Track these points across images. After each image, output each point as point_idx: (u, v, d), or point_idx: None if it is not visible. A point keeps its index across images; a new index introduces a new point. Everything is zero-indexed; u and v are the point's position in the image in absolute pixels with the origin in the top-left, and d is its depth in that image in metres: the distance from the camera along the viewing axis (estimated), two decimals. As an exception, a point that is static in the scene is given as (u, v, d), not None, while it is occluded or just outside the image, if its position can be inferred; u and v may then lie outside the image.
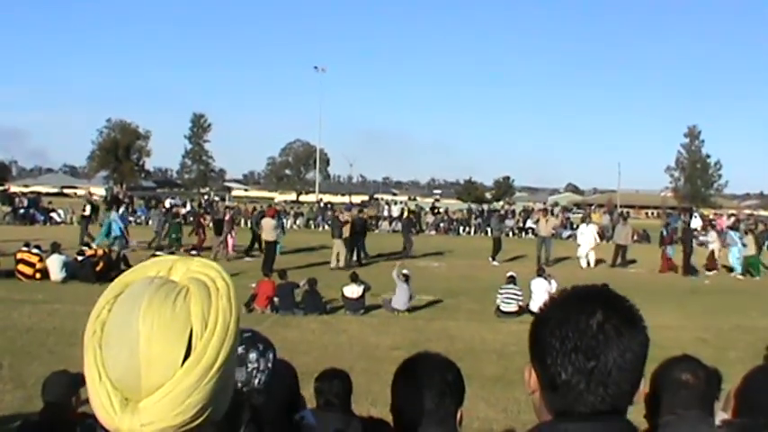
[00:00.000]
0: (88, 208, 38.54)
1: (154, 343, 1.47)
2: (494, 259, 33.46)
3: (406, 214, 38.27)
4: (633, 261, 34.27)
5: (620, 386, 1.81)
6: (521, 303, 19.97)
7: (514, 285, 20.59)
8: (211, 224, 35.42)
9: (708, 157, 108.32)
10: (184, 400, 1.48)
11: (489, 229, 43.14)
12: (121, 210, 33.86)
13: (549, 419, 1.88)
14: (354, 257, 31.25)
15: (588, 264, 33.68)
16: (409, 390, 3.22)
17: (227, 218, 33.41)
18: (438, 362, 3.36)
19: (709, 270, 32.20)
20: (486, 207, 72.07)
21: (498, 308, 20.12)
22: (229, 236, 32.99)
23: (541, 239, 33.88)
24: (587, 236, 34.90)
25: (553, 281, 20.26)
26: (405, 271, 20.96)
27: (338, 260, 30.06)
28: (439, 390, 3.17)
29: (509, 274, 21.58)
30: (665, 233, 33.86)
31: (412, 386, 3.22)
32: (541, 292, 19.47)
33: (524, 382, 1.98)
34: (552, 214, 39.90)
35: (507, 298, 20.12)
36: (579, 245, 34.88)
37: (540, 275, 21.22)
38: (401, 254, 33.86)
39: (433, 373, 3.24)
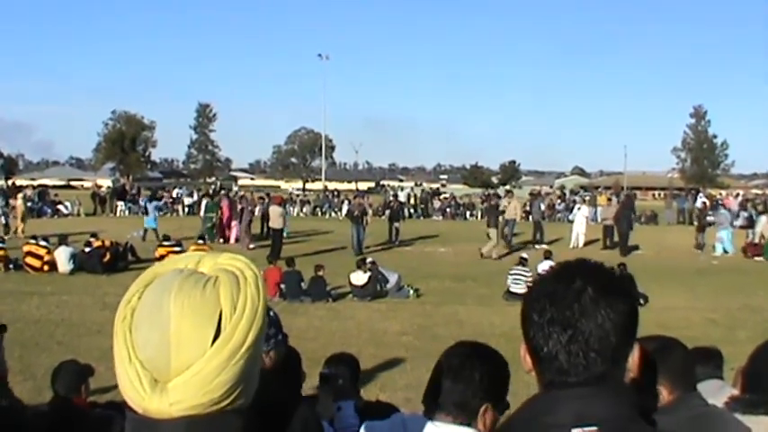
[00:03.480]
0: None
1: (184, 324, 1.51)
2: (541, 243, 33.16)
3: (396, 202, 37.97)
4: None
5: (602, 355, 1.80)
6: (530, 284, 19.92)
7: (524, 267, 20.82)
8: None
9: (714, 137, 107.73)
10: (213, 379, 1.51)
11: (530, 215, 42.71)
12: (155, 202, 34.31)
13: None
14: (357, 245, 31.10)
15: (577, 245, 33.82)
16: (447, 379, 3.18)
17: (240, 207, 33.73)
18: (479, 350, 3.37)
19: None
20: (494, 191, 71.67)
21: (508, 290, 20.27)
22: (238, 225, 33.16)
23: (505, 221, 33.68)
24: (579, 218, 35.64)
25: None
26: (369, 259, 21.43)
27: (492, 249, 30.12)
28: (478, 380, 3.18)
29: (522, 255, 22.17)
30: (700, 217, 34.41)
31: (450, 375, 3.17)
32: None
33: (521, 360, 1.98)
34: (513, 196, 39.82)
35: (516, 279, 20.27)
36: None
37: (547, 258, 21.37)
38: (389, 243, 33.95)
39: (472, 361, 3.23)
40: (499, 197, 37.86)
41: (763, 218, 33.37)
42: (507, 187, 66.55)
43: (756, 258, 30.48)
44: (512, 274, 20.63)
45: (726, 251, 32.28)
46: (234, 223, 33.88)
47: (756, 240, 32.90)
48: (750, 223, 47.12)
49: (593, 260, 1.97)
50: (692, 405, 3.06)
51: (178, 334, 1.50)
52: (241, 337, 1.54)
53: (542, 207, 39.38)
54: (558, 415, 1.76)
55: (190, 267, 1.64)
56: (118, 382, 1.55)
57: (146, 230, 33.91)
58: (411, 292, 20.53)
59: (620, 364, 1.84)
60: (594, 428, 1.71)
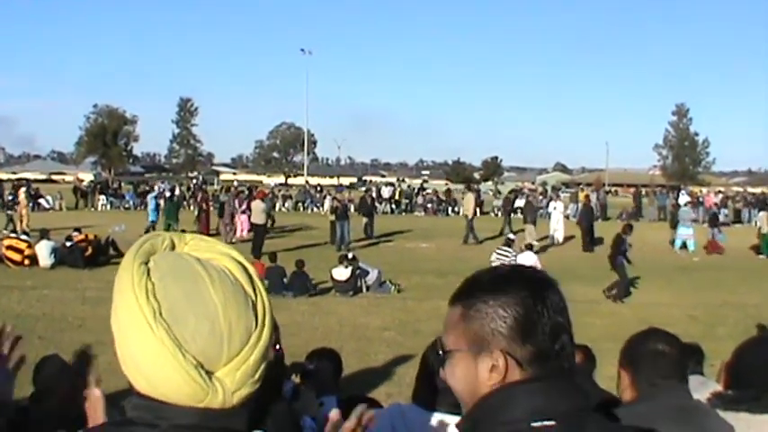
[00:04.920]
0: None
1: (231, 312, 1.53)
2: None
3: (369, 197, 38.00)
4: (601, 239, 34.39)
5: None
6: (510, 260, 21.04)
7: (509, 248, 22.10)
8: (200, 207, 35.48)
9: (696, 134, 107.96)
10: (260, 365, 1.57)
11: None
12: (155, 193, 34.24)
13: None
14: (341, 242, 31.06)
15: (558, 242, 34.11)
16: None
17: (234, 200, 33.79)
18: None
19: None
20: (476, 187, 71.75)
21: (492, 263, 20.50)
22: (239, 218, 33.19)
23: (467, 217, 34.05)
24: (555, 215, 35.80)
25: (536, 257, 21.43)
26: (349, 254, 21.59)
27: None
28: None
29: (509, 236, 23.32)
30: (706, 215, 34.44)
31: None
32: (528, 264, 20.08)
33: None
34: (474, 192, 39.91)
35: (499, 256, 21.45)
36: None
37: (528, 249, 22.13)
38: (367, 238, 33.85)
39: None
40: (534, 195, 38.16)
41: (762, 214, 33.41)
42: (530, 185, 66.75)
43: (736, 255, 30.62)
44: (496, 253, 21.79)
45: (685, 246, 32.43)
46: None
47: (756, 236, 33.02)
48: (736, 220, 47.56)
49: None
50: (677, 395, 3.08)
51: (228, 323, 1.52)
52: (271, 323, 1.62)
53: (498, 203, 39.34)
54: (515, 410, 1.74)
55: (168, 247, 1.65)
56: (156, 382, 1.52)
57: (152, 225, 33.51)
58: (393, 287, 20.55)
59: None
60: (552, 422, 1.70)
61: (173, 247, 1.66)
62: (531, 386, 1.73)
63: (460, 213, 46.63)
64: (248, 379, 1.54)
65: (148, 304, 1.51)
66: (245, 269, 1.64)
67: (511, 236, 23.31)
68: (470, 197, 35.77)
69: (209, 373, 1.51)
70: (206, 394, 1.50)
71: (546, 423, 1.69)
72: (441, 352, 1.88)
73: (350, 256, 21.09)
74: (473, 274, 1.96)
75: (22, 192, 38.14)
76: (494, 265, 18.07)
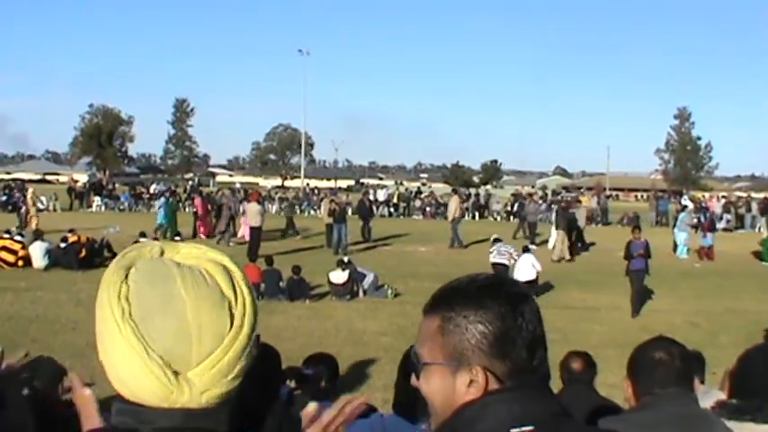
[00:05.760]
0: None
1: (202, 311, 1.53)
2: (533, 244, 33.11)
3: (367, 200, 38.04)
4: (593, 243, 34.42)
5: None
6: (514, 257, 21.52)
7: (502, 242, 22.50)
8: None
9: (698, 138, 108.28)
10: (234, 367, 1.56)
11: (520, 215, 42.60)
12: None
13: None
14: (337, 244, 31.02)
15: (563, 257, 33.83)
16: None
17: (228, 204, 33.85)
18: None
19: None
20: (474, 191, 71.69)
21: (492, 261, 21.42)
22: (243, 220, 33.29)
23: (452, 221, 34.05)
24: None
25: (536, 260, 21.41)
26: (345, 258, 21.60)
27: (564, 251, 30.20)
28: None
29: (494, 236, 23.36)
30: (702, 219, 34.38)
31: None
32: (528, 266, 20.68)
33: None
34: (460, 195, 39.81)
35: (500, 251, 21.69)
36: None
37: (526, 251, 22.02)
38: (364, 242, 33.86)
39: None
40: (570, 200, 38.06)
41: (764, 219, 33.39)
42: (529, 188, 66.77)
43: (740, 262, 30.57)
44: (492, 250, 21.94)
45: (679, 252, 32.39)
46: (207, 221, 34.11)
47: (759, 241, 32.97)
48: (739, 225, 47.53)
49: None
50: (681, 403, 3.07)
51: (197, 322, 1.52)
52: (250, 324, 1.59)
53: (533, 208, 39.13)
54: (493, 419, 1.73)
55: (156, 255, 1.64)
56: (124, 380, 1.53)
57: (159, 226, 33.34)
58: (389, 291, 20.53)
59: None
60: (531, 428, 1.70)
61: (161, 255, 1.66)
62: (507, 395, 1.74)
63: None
64: (221, 378, 1.54)
65: (119, 305, 1.54)
66: (228, 272, 1.63)
67: (496, 235, 23.37)
68: (455, 200, 35.72)
69: (177, 373, 1.51)
70: (170, 393, 1.50)
71: (524, 429, 1.69)
72: (416, 362, 1.88)
73: (345, 260, 21.07)
74: (450, 282, 1.94)
75: (30, 192, 38.25)
76: (493, 261, 18.09)
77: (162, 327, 1.51)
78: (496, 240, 22.58)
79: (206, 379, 1.52)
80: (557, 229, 31.13)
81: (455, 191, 41.88)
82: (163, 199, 37.56)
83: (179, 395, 1.50)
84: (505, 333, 1.75)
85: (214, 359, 1.52)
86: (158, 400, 1.51)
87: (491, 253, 21.78)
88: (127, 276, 1.58)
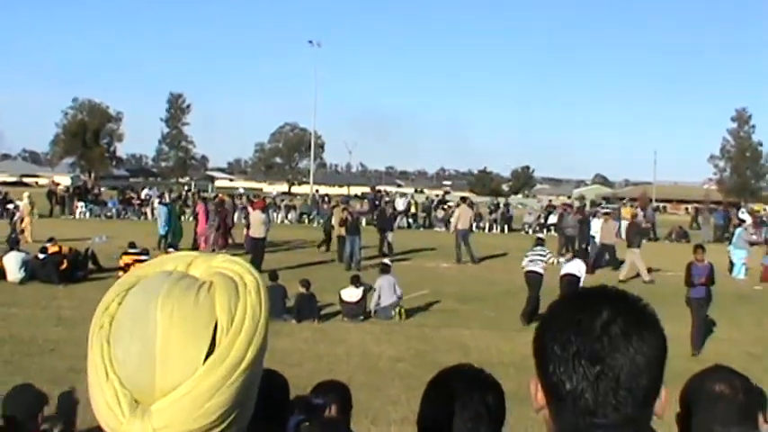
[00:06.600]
0: None
1: (173, 336, 1.46)
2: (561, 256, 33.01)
3: (390, 209, 37.99)
4: (621, 261, 34.11)
5: (633, 394, 1.79)
6: (546, 263, 21.44)
7: (542, 247, 22.25)
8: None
9: (759, 144, 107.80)
10: (205, 402, 1.46)
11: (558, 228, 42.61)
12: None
13: None
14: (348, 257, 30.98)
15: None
16: (439, 407, 3.07)
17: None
18: (479, 378, 3.20)
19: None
20: (503, 200, 71.71)
21: (525, 269, 21.42)
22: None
23: (459, 234, 34.11)
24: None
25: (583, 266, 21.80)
26: (386, 261, 21.45)
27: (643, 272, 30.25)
28: (475, 412, 3.02)
29: (538, 236, 23.98)
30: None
31: (443, 403, 3.05)
32: (575, 271, 21.07)
33: (531, 396, 1.94)
34: (469, 204, 39.76)
35: (533, 259, 21.43)
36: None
37: (576, 257, 22.71)
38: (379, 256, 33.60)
39: (471, 391, 3.08)
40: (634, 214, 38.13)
41: None
42: (565, 199, 66.62)
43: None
44: (528, 255, 21.80)
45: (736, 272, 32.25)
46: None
47: None
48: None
49: (615, 287, 1.95)
50: None
51: (165, 347, 1.46)
52: (239, 353, 1.51)
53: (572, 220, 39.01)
54: None
55: (180, 269, 1.61)
56: (91, 403, 1.51)
57: (161, 237, 33.25)
58: (395, 312, 20.46)
59: (650, 405, 1.84)
60: None
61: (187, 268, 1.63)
62: None
63: (481, 227, 46.81)
64: (186, 417, 1.47)
65: (99, 321, 1.53)
66: (237, 289, 1.56)
67: (540, 236, 23.72)
68: (464, 210, 35.80)
69: (138, 403, 1.47)
70: (120, 423, 1.46)
71: None
72: None
73: (385, 261, 21.11)
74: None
75: (24, 198, 38.22)
76: (527, 269, 18.08)
77: (127, 350, 1.48)
78: (538, 243, 22.72)
79: (167, 414, 1.46)
80: (629, 247, 31.01)
81: (464, 199, 41.86)
82: (162, 206, 37.01)
83: (129, 427, 1.46)
84: None
85: (179, 392, 1.46)
86: (110, 430, 1.48)
87: (525, 257, 21.87)
88: (128, 291, 1.56)
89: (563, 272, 21.17)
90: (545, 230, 50.11)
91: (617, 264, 32.89)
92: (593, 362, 1.79)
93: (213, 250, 30.95)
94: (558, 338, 1.85)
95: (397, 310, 20.48)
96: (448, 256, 34.69)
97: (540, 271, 21.02)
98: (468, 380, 3.16)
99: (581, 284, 20.10)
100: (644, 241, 38.48)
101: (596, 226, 35.39)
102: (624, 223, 40.26)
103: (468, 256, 33.34)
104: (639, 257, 30.48)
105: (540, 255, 21.51)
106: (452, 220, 35.47)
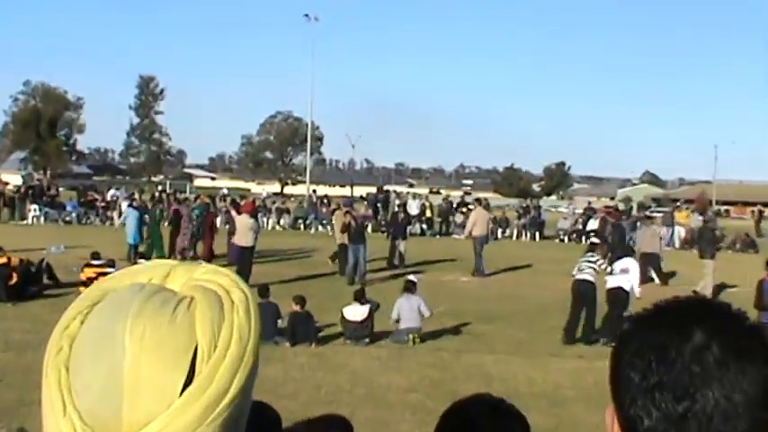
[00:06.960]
0: None
1: (144, 362, 1.40)
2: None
3: (402, 213, 37.89)
4: (673, 274, 34.27)
5: None
6: (597, 270, 21.67)
7: (593, 254, 22.43)
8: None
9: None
10: None
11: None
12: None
13: None
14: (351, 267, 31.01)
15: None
16: None
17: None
18: (500, 408, 3.17)
19: None
20: (534, 203, 71.65)
21: (574, 277, 21.67)
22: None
23: (477, 241, 34.22)
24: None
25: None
26: (411, 277, 21.42)
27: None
28: None
29: (591, 240, 24.49)
30: None
31: None
32: (635, 272, 21.44)
33: (606, 428, 1.83)
34: (485, 206, 39.84)
35: (582, 266, 21.73)
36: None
37: (626, 255, 22.81)
38: (391, 268, 33.94)
39: (492, 423, 3.06)
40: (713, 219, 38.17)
41: None
42: (608, 200, 66.60)
43: None
44: (579, 263, 22.06)
45: None
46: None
47: None
48: None
49: (715, 301, 1.84)
50: None
51: (135, 376, 1.41)
52: (223, 383, 1.45)
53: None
54: None
55: (155, 282, 1.56)
56: None
57: (131, 247, 33.38)
58: (409, 337, 20.30)
59: None
60: None
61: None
62: None
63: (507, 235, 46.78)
64: None
65: (56, 345, 1.48)
66: (222, 306, 1.51)
67: (594, 240, 23.81)
68: (480, 213, 36.00)
69: None
70: None
71: None
72: None
73: (411, 278, 21.17)
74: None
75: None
76: (580, 277, 18.19)
77: (91, 379, 1.43)
78: (590, 249, 23.00)
79: None
80: (701, 258, 30.88)
81: (479, 201, 41.95)
82: (132, 210, 36.44)
83: None
84: None
85: (151, 430, 1.41)
86: None
87: (576, 266, 22.05)
88: (92, 307, 1.52)
89: (609, 285, 21.21)
90: (583, 238, 50.08)
91: (666, 278, 32.98)
92: (678, 398, 1.67)
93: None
94: (636, 365, 1.73)
95: (411, 335, 20.29)
96: (468, 269, 34.76)
97: (591, 279, 21.22)
98: (487, 410, 3.15)
99: (630, 301, 20.20)
100: (693, 250, 38.36)
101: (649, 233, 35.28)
102: (678, 230, 40.18)
103: (486, 267, 33.53)
104: (711, 272, 30.25)
105: (589, 261, 21.70)
106: (467, 225, 35.30)
